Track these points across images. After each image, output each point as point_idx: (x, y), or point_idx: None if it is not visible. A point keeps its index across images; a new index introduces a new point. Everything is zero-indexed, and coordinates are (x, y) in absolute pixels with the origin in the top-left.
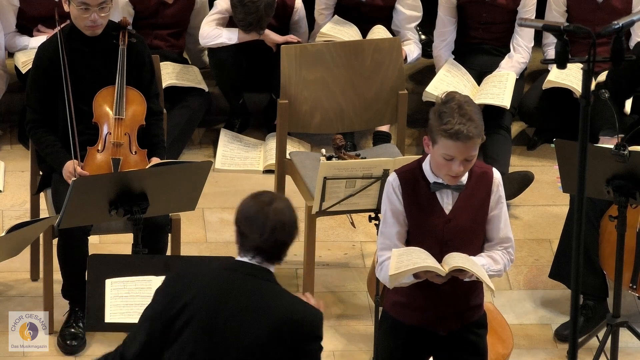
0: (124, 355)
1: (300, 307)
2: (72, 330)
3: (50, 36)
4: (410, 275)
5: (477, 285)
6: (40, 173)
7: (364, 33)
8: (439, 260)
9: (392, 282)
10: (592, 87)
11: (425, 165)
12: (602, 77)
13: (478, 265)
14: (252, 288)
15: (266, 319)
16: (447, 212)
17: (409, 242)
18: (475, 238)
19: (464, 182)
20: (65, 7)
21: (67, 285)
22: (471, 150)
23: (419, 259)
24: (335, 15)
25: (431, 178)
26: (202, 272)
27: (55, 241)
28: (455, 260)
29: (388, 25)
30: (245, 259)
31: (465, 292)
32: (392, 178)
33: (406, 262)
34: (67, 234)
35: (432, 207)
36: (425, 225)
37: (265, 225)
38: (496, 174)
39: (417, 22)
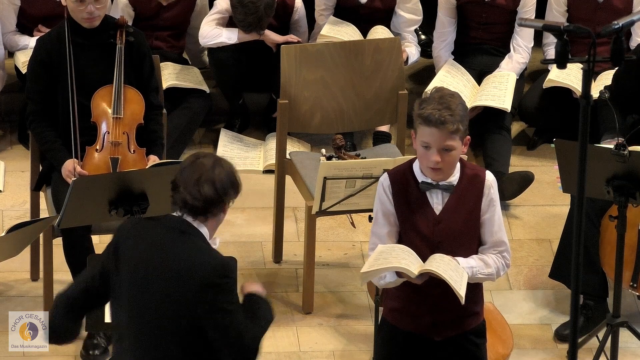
0: (66, 293)
1: (211, 257)
2: (95, 341)
3: (49, 31)
4: (394, 274)
5: (474, 292)
6: (40, 168)
7: (363, 33)
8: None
9: (363, 279)
10: (596, 90)
11: (416, 166)
12: (602, 78)
13: (457, 270)
14: (172, 241)
15: (175, 270)
16: (437, 212)
17: (400, 243)
18: (467, 241)
19: (454, 182)
20: (63, 1)
21: None
22: (447, 139)
23: (395, 258)
24: (331, 16)
25: (420, 177)
26: (141, 224)
27: (55, 241)
28: (430, 262)
29: (386, 27)
30: (177, 214)
31: None
32: (383, 178)
33: (382, 260)
34: (69, 233)
35: (422, 207)
36: (415, 225)
37: (191, 178)
38: (489, 176)
39: (416, 26)
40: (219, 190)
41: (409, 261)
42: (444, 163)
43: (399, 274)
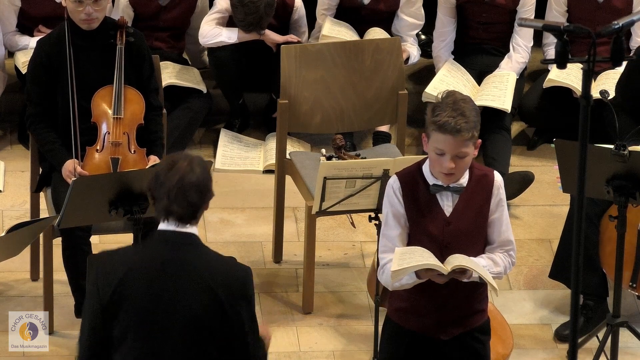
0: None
1: (227, 267)
2: None
3: (49, 32)
4: (413, 275)
5: (479, 290)
6: (40, 170)
7: (362, 34)
8: (441, 262)
9: (393, 279)
10: (596, 90)
11: (425, 167)
12: (602, 78)
13: (481, 266)
14: (177, 257)
15: (197, 285)
16: (447, 214)
17: (409, 244)
18: (476, 241)
19: (464, 184)
20: (63, 2)
21: (76, 289)
22: (461, 146)
23: (422, 257)
24: (329, 16)
25: (430, 180)
26: (127, 251)
27: (55, 241)
28: (459, 260)
29: (387, 28)
30: (164, 227)
31: (467, 297)
32: (393, 180)
33: (408, 259)
34: (69, 235)
35: (432, 209)
36: (425, 227)
37: (172, 186)
38: (497, 177)
39: (418, 30)
40: (203, 192)
41: (435, 260)
42: (457, 169)
43: (418, 275)
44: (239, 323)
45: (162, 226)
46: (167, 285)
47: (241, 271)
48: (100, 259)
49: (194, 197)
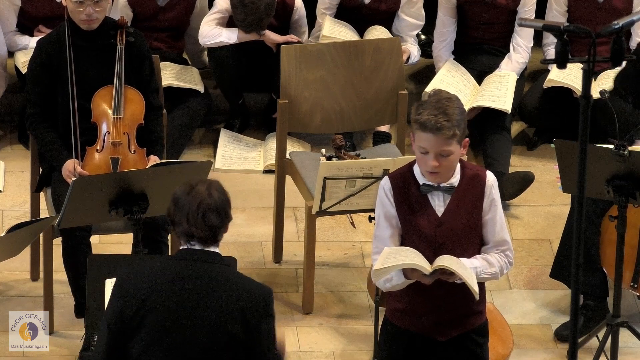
0: None
1: (253, 286)
2: (90, 353)
3: (49, 32)
4: (401, 275)
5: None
6: (40, 170)
7: (362, 34)
8: (432, 263)
9: (374, 278)
10: (596, 90)
11: (416, 168)
12: (602, 78)
13: (467, 268)
14: (203, 272)
15: (226, 300)
16: (439, 214)
17: (403, 245)
18: (469, 241)
19: (455, 184)
20: (63, 2)
21: (76, 289)
22: (443, 145)
23: (406, 257)
24: (328, 16)
25: (421, 180)
26: (154, 266)
27: (55, 241)
28: (442, 260)
29: (387, 28)
30: (187, 247)
31: (464, 297)
32: (384, 181)
33: (392, 259)
34: (69, 235)
35: (424, 209)
36: (418, 228)
37: (191, 210)
38: (489, 177)
39: (418, 30)
40: (222, 215)
41: (419, 260)
42: (442, 167)
43: (406, 275)
44: (262, 340)
45: (185, 247)
46: (197, 299)
47: (266, 290)
48: (124, 277)
49: (213, 220)
